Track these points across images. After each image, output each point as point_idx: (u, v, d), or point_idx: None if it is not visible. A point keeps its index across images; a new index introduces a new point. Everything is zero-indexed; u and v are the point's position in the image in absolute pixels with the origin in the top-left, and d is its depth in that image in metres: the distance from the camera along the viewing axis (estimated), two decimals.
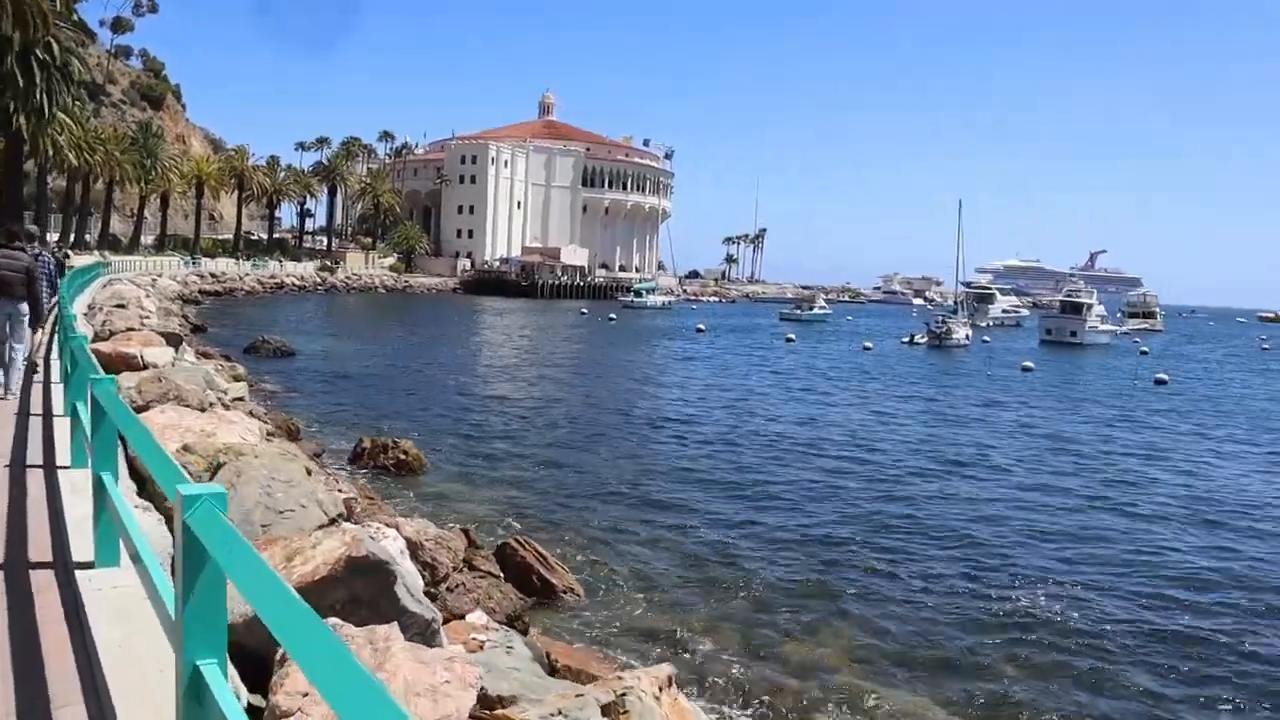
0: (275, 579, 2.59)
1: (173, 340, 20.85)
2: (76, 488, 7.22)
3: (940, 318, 74.30)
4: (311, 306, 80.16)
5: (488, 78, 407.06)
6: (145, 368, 16.82)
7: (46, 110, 39.96)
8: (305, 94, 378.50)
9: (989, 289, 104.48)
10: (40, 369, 13.71)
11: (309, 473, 8.73)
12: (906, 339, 72.28)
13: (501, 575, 11.06)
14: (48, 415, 10.47)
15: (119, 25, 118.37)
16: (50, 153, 57.01)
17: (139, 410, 10.64)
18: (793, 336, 69.82)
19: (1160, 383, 47.43)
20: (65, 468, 8.08)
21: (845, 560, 13.90)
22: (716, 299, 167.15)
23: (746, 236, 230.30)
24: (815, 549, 14.41)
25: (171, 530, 4.89)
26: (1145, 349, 75.66)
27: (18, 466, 8.16)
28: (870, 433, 26.83)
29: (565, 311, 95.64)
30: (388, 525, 8.48)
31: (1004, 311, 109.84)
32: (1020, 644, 11.05)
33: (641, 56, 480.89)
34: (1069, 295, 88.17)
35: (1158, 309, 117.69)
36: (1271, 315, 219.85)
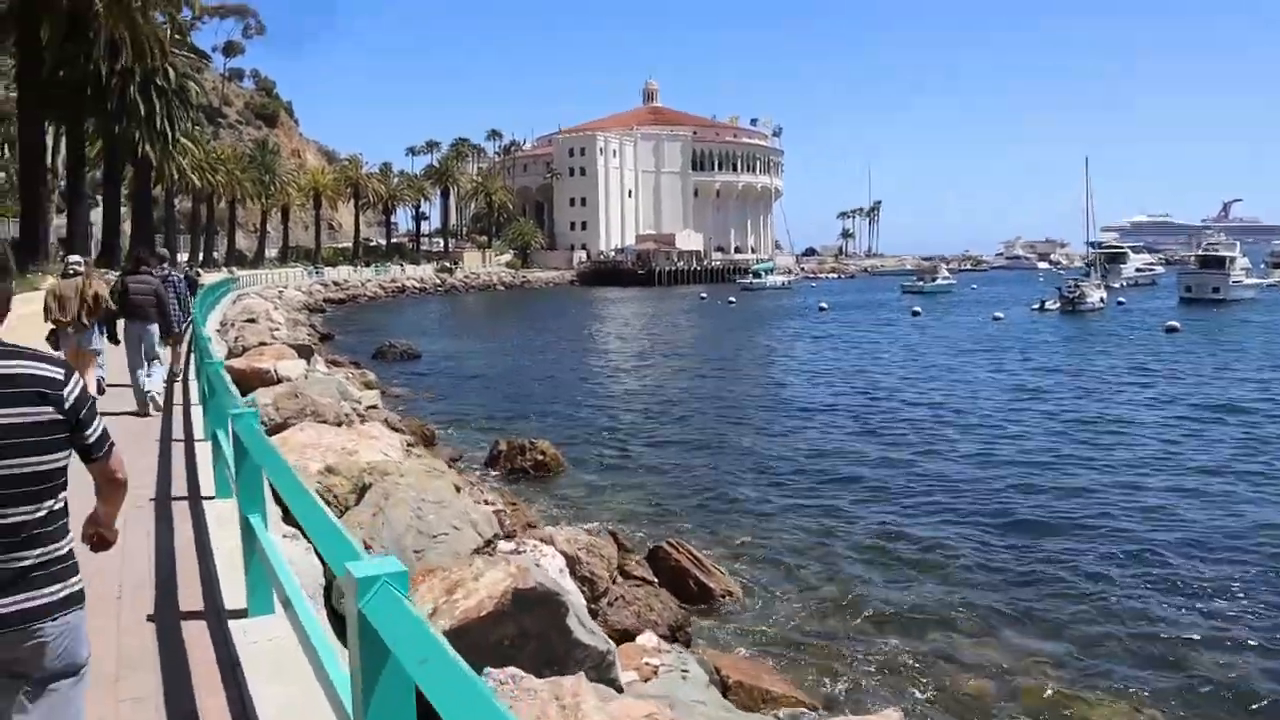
0: (476, 685, 2.07)
1: (304, 352, 20.85)
2: (222, 522, 7.04)
3: (1072, 281, 71.05)
4: (433, 308, 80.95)
5: (589, 69, 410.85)
6: (279, 382, 16.73)
7: (170, 136, 41.11)
8: (411, 99, 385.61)
9: (1120, 248, 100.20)
10: (179, 383, 14.49)
11: (457, 490, 8.26)
12: (1037, 305, 69.44)
13: (656, 581, 10.48)
14: (189, 440, 10.51)
15: (230, 49, 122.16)
16: (176, 176, 58.79)
17: (276, 430, 10.38)
18: (919, 310, 67.83)
19: None
20: (210, 498, 7.92)
21: (1012, 561, 12.84)
22: (835, 275, 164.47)
23: (861, 210, 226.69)
24: (980, 546, 13.40)
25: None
26: None
27: (163, 499, 8.00)
28: (1017, 412, 25.14)
29: (683, 297, 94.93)
30: (543, 542, 7.94)
31: (1137, 270, 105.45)
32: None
33: (742, 34, 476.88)
34: (1208, 249, 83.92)
35: None
36: None
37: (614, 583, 9.42)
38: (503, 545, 6.81)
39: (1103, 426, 22.60)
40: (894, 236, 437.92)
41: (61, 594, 2.87)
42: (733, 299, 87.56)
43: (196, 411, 12.02)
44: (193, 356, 15.86)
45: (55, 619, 2.83)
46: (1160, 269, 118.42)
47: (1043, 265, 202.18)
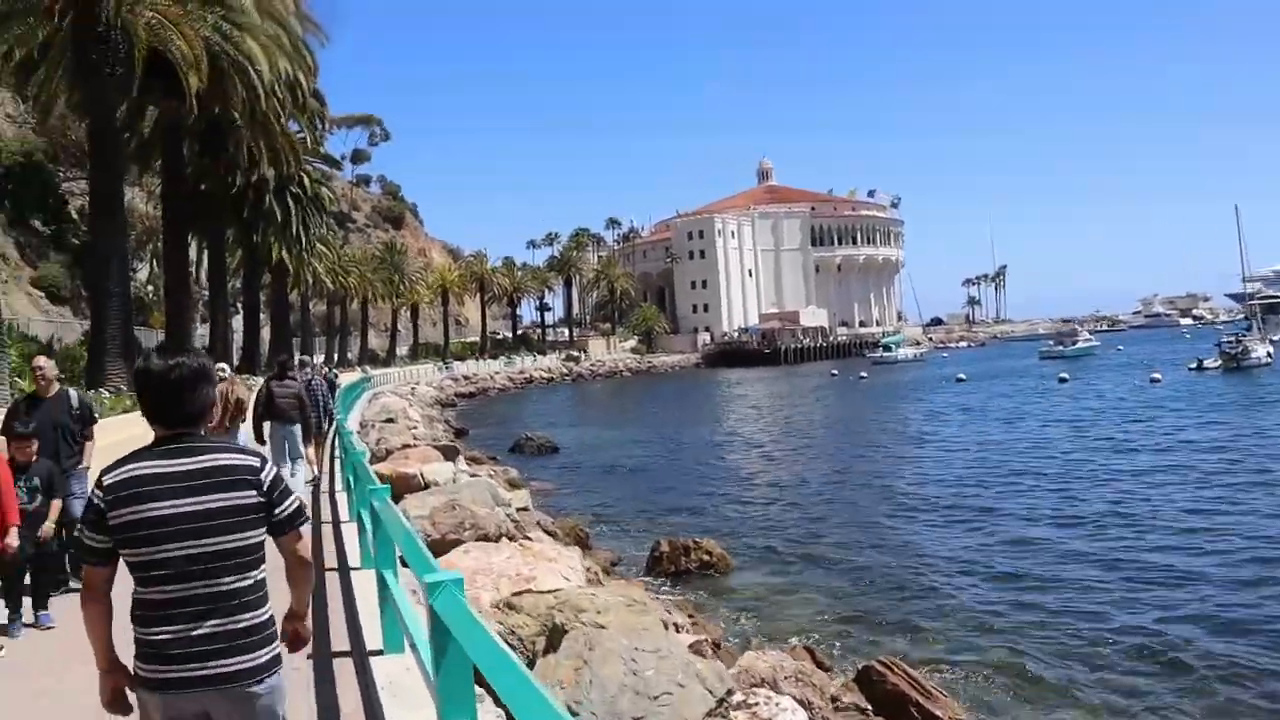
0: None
1: (449, 454, 20.12)
2: (366, 588, 7.73)
3: (1234, 336, 66.52)
4: (561, 397, 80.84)
5: (704, 153, 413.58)
6: (426, 486, 15.95)
7: (305, 241, 41.91)
8: (529, 193, 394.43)
9: (1277, 298, 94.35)
10: (324, 481, 15.07)
11: (666, 627, 7.10)
12: (1194, 365, 65.11)
13: (870, 709, 9.11)
14: (336, 523, 11.65)
15: (358, 157, 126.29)
16: (310, 280, 60.10)
17: (439, 550, 9.42)
18: (1065, 376, 64.61)
19: None
20: (356, 569, 8.88)
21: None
22: (965, 344, 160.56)
23: (986, 276, 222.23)
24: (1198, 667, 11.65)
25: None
26: None
27: (318, 569, 8.01)
28: (1211, 492, 22.51)
29: (811, 375, 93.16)
30: (771, 689, 6.70)
31: None
32: None
33: (852, 107, 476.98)
34: None
35: None
36: None
37: (809, 707, 8.07)
38: (735, 697, 5.62)
39: None
40: (1021, 301, 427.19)
41: (268, 656, 3.32)
42: (864, 374, 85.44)
43: (341, 498, 13.10)
44: (334, 452, 16.78)
45: (263, 680, 3.28)
46: None
47: (1185, 321, 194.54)
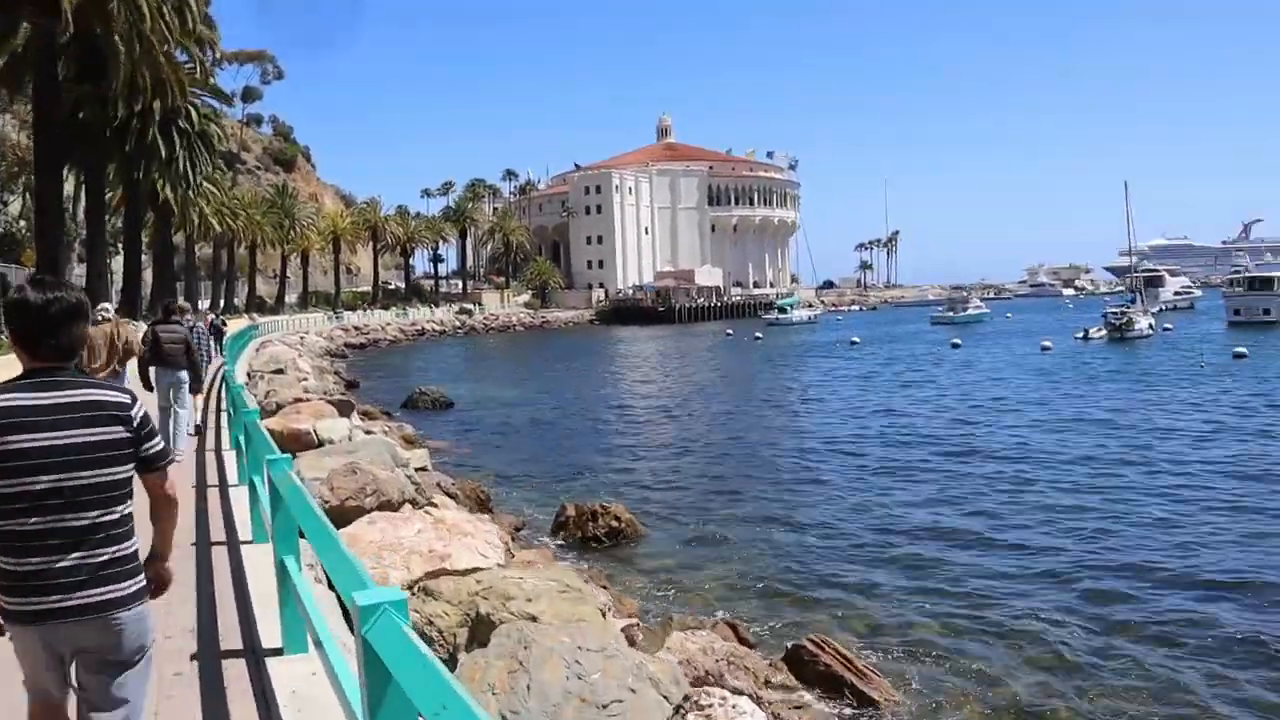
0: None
1: (343, 409, 19.08)
2: (259, 567, 7.27)
3: (1119, 308, 68.74)
4: (454, 350, 79.52)
5: (602, 107, 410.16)
6: (320, 444, 15.01)
7: (191, 179, 39.20)
8: (425, 141, 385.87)
9: (1157, 271, 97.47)
10: (209, 437, 14.72)
11: (604, 615, 6.41)
12: (1080, 334, 67.19)
13: (802, 689, 8.61)
14: (224, 486, 10.90)
15: (249, 95, 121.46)
16: (196, 221, 57.35)
17: (341, 521, 8.60)
18: (958, 342, 65.77)
19: None
20: (247, 543, 8.22)
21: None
22: (856, 307, 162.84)
23: (879, 241, 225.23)
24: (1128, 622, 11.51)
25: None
26: None
27: (202, 544, 8.25)
28: (1121, 458, 22.42)
29: (707, 334, 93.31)
30: (729, 691, 6.06)
31: (1175, 294, 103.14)
32: None
33: (754, 68, 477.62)
34: (1257, 271, 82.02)
35: None
36: None
37: (760, 702, 7.51)
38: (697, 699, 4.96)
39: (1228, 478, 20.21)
40: (911, 267, 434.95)
41: (135, 588, 3.42)
42: (759, 335, 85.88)
43: (228, 457, 12.77)
44: (219, 401, 16.77)
45: (130, 609, 3.39)
46: (1197, 292, 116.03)
47: (1068, 292, 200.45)
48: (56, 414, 3.25)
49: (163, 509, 3.62)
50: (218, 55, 42.20)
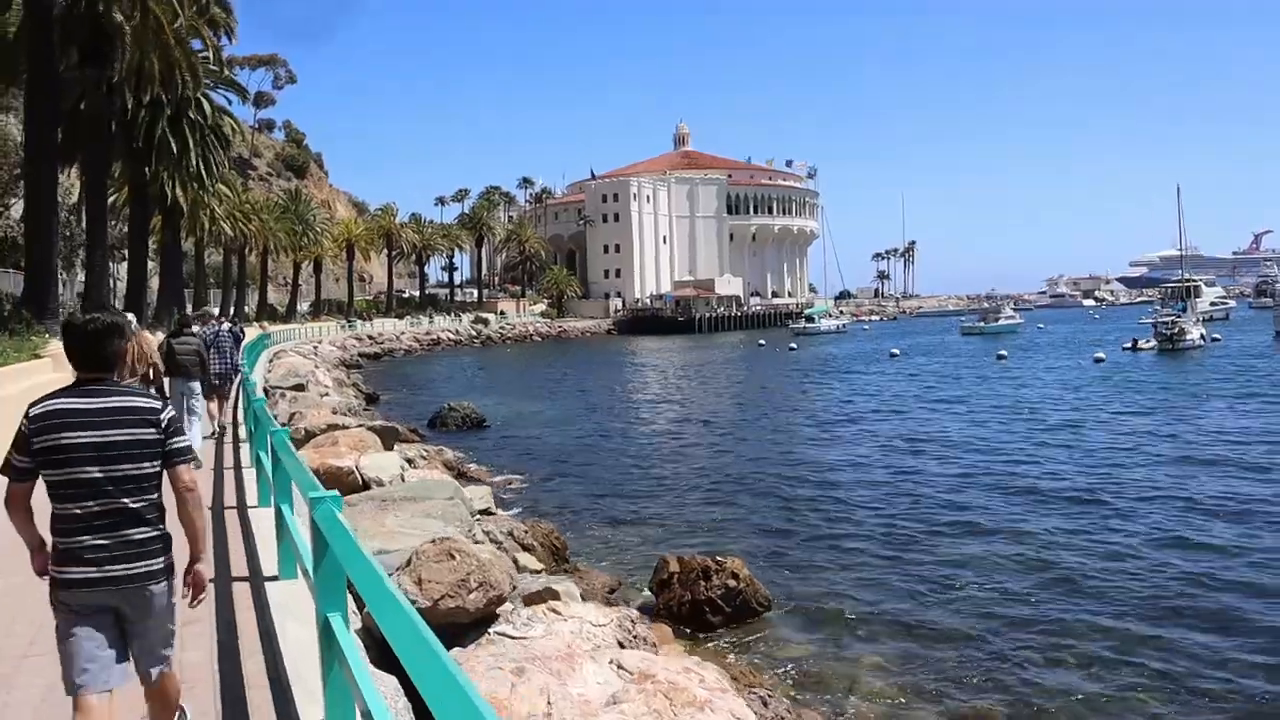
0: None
1: (387, 437, 15.99)
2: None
3: (1169, 318, 65.67)
4: (472, 361, 76.82)
5: (619, 113, 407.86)
6: (366, 486, 12.06)
7: (204, 179, 35.68)
8: (439, 148, 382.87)
9: (1195, 281, 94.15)
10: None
11: None
12: (1129, 345, 64.27)
13: None
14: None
15: (261, 100, 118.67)
16: (207, 225, 54.21)
17: (448, 641, 5.59)
18: (1004, 354, 62.53)
19: None
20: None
21: None
22: (876, 318, 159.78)
23: (896, 251, 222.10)
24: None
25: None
26: None
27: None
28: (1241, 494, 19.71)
29: (733, 345, 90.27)
30: None
31: (1211, 305, 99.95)
32: None
33: (773, 76, 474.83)
34: None
35: None
36: None
37: None
38: None
39: None
40: (927, 277, 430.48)
41: (162, 564, 4.11)
42: (793, 345, 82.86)
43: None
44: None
45: (159, 581, 4.10)
46: (1233, 303, 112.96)
47: (1088, 302, 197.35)
48: (99, 416, 3.98)
49: (187, 496, 4.18)
50: (234, 37, 38.77)
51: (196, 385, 13.77)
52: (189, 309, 30.19)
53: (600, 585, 12.17)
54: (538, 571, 10.85)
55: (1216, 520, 16.90)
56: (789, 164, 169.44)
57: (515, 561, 10.26)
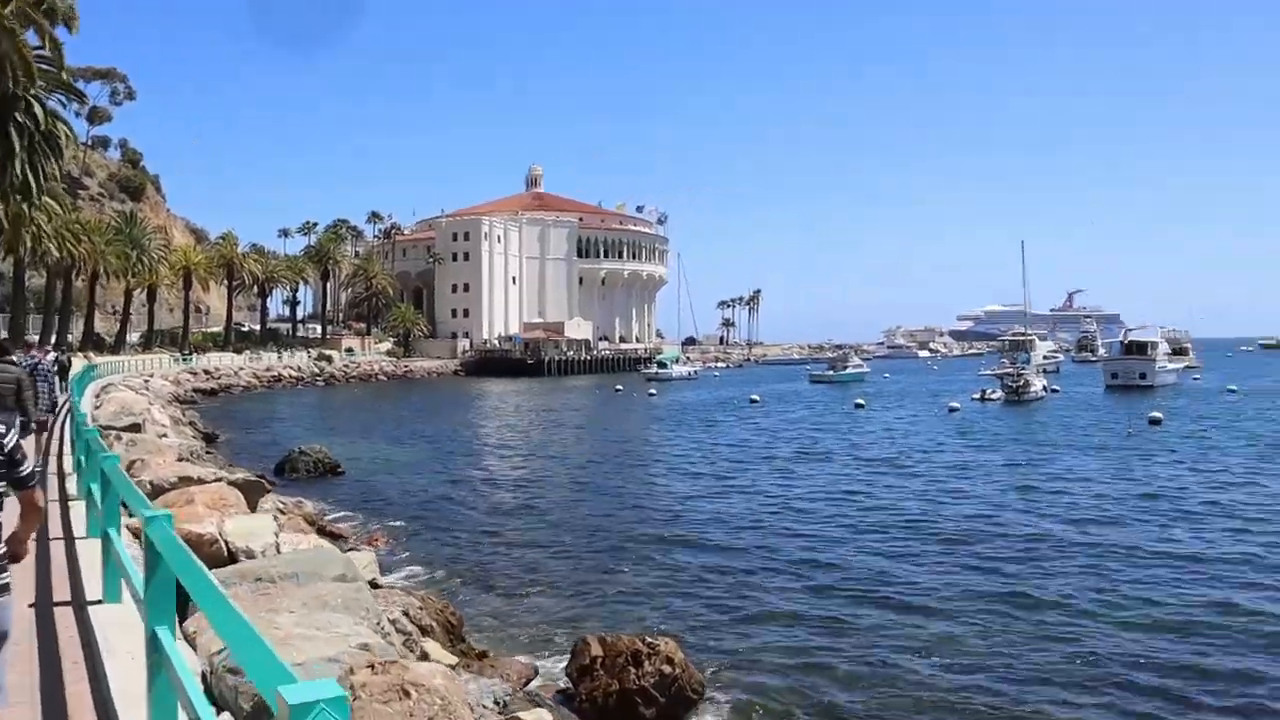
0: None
1: (250, 493, 13.74)
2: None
3: (1015, 370, 68.53)
4: (315, 400, 73.58)
5: (471, 154, 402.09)
6: (231, 558, 10.05)
7: (31, 190, 31.73)
8: (284, 178, 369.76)
9: (1028, 335, 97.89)
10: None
11: None
12: (978, 395, 66.18)
13: None
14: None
15: (96, 115, 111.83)
16: (29, 244, 49.60)
17: None
18: (862, 402, 63.07)
19: None
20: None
21: None
22: (722, 365, 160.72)
23: (741, 299, 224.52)
24: None
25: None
26: (1233, 388, 71.75)
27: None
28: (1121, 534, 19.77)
29: (587, 389, 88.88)
30: None
31: (1045, 358, 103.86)
32: None
33: (623, 124, 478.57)
34: (1131, 335, 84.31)
35: (1189, 345, 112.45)
36: (1275, 341, 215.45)
37: None
38: None
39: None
40: (770, 325, 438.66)
41: (4, 580, 4.20)
42: (653, 390, 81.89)
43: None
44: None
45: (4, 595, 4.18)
46: (1061, 356, 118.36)
47: (923, 353, 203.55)
48: None
49: (31, 514, 4.43)
50: (74, 31, 34.99)
51: (16, 419, 12.29)
52: (3, 334, 27.02)
53: (517, 675, 10.44)
54: (452, 666, 9.01)
55: (1155, 568, 16.57)
56: (640, 209, 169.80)
57: (426, 656, 8.45)
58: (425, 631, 10.38)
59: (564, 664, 11.36)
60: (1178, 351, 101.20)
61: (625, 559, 18.79)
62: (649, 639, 11.02)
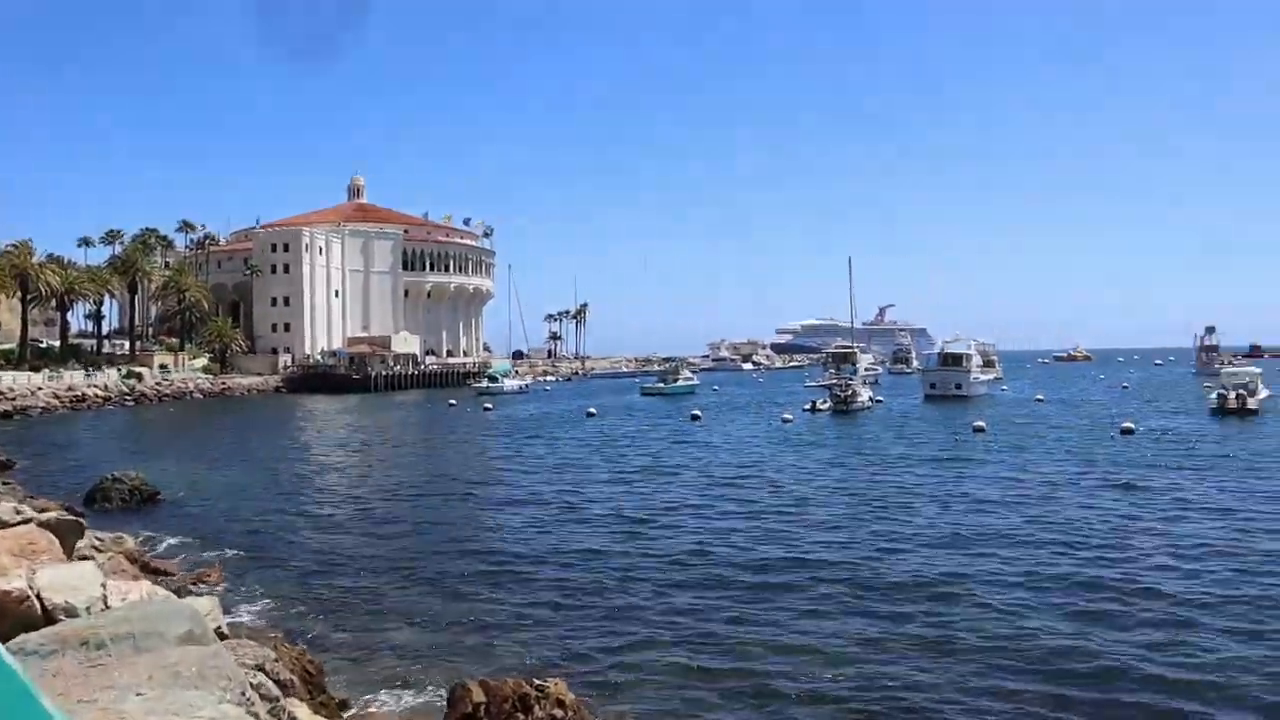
0: None
1: (68, 532, 11.98)
2: None
3: (844, 382, 70.07)
4: (125, 421, 69.21)
5: (290, 162, 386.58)
6: (47, 618, 8.55)
7: None
8: (82, 182, 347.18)
9: (850, 348, 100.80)
10: None
11: None
12: (808, 406, 67.32)
13: None
14: None
15: None
16: None
17: None
18: (699, 414, 63.01)
19: (1128, 431, 45.90)
20: None
21: None
22: (551, 378, 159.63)
23: (568, 313, 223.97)
24: None
25: None
26: (1040, 397, 75.66)
27: None
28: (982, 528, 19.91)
29: (419, 405, 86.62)
30: None
31: (866, 370, 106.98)
32: None
33: (446, 132, 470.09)
34: (948, 347, 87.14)
35: (996, 357, 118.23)
36: (1066, 355, 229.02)
37: None
38: None
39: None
40: (597, 339, 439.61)
41: None
42: (488, 405, 79.98)
43: None
44: None
45: None
46: (879, 368, 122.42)
47: (747, 366, 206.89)
48: None
49: None
50: None
51: None
52: None
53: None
54: None
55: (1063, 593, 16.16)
56: (466, 222, 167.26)
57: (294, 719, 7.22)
58: (285, 688, 9.09)
59: (440, 710, 10.21)
60: (987, 363, 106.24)
61: (479, 584, 17.70)
62: (536, 681, 10.03)
